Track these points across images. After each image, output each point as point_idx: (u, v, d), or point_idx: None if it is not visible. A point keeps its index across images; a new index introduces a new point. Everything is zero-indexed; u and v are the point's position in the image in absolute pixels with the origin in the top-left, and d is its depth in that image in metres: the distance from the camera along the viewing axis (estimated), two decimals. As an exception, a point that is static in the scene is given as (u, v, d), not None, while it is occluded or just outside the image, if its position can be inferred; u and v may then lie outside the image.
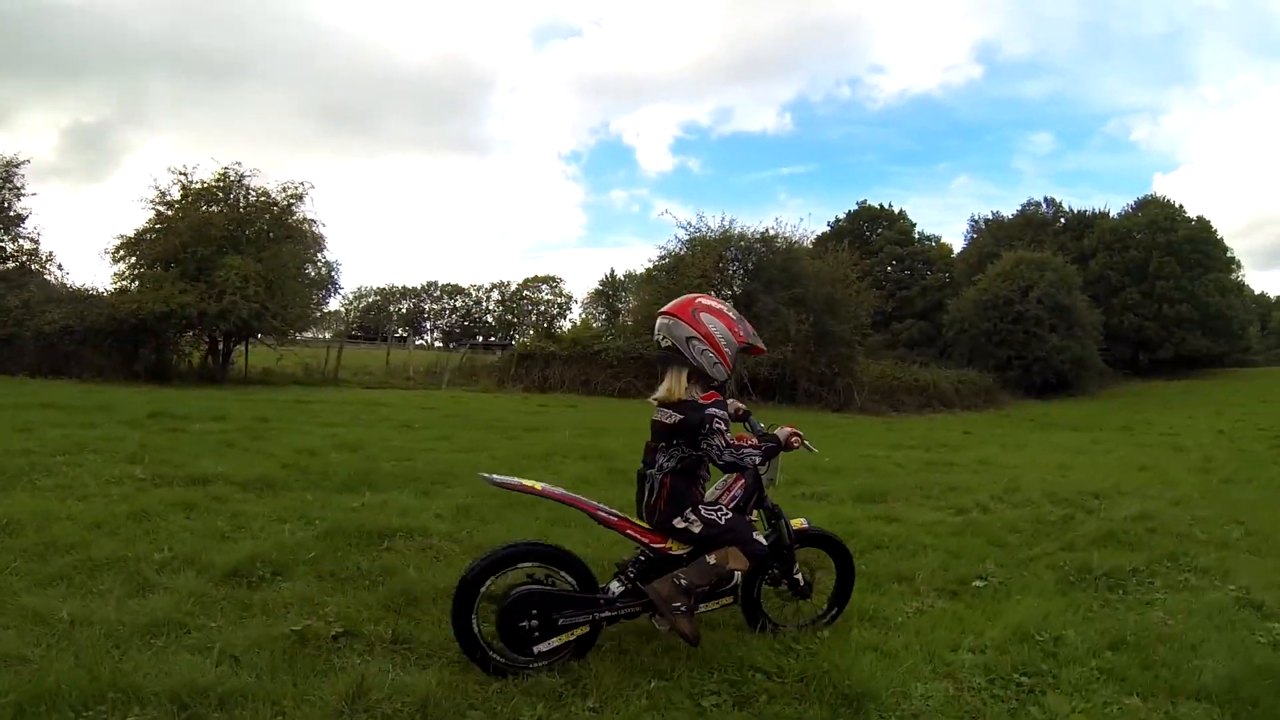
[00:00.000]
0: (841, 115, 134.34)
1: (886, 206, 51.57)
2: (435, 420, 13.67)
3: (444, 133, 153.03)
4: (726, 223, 27.30)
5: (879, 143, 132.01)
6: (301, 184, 22.94)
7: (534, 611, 3.39)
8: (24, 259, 23.18)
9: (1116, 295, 45.28)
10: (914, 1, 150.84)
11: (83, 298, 20.90)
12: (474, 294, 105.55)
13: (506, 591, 3.45)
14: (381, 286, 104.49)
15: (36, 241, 23.47)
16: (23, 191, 23.10)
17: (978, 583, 5.14)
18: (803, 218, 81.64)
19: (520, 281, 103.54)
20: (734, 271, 27.20)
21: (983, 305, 36.82)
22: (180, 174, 21.99)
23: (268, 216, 22.41)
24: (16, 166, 23.03)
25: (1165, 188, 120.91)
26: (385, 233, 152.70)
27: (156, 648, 3.46)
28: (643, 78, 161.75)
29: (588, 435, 12.44)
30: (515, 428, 13.18)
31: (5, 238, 22.98)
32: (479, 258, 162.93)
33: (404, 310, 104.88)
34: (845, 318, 26.67)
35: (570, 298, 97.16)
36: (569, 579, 3.55)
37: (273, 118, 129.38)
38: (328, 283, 25.40)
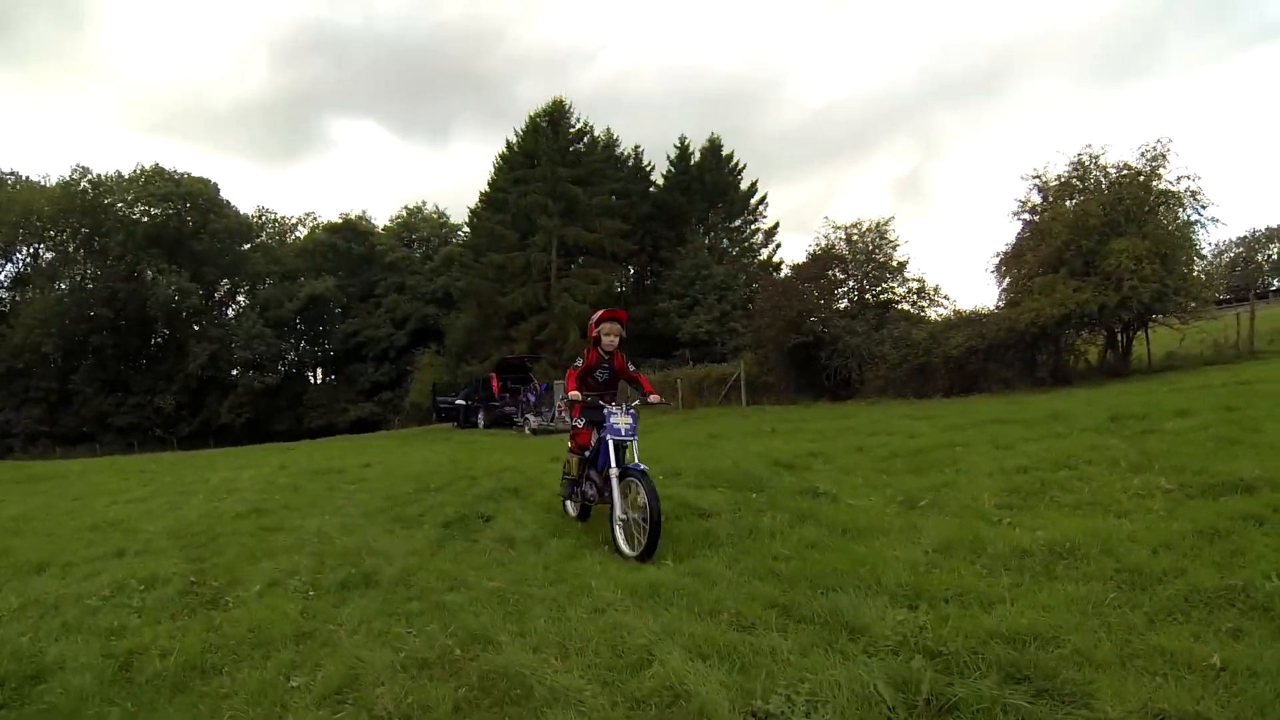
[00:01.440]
0: None
1: None
2: None
3: (1240, 28, 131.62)
4: None
5: None
6: (1159, 142, 20.53)
7: None
8: (914, 297, 26.05)
9: None
10: None
11: (979, 319, 22.00)
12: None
13: None
14: (1242, 235, 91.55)
15: (922, 280, 26.17)
16: (896, 243, 26.21)
17: None
18: None
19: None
20: None
21: None
22: (1035, 177, 22.17)
23: (1135, 187, 20.51)
24: (886, 224, 26.43)
25: None
26: (1228, 170, 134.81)
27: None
28: None
29: None
30: None
31: (894, 282, 26.18)
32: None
33: (1274, 256, 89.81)
34: None
35: None
36: None
37: (1051, 102, 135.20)
38: (1186, 244, 22.23)
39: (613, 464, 6.35)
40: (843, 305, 26.07)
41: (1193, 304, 20.87)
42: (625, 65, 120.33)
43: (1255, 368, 17.07)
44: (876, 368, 22.81)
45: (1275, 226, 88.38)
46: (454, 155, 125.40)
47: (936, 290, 25.94)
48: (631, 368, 7.10)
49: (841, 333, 23.79)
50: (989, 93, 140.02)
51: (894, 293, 26.12)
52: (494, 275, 44.18)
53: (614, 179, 47.39)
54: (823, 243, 27.03)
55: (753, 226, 49.19)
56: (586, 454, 6.99)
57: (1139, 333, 20.95)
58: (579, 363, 7.04)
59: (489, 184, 47.91)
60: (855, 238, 26.30)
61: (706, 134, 50.00)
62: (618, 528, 6.19)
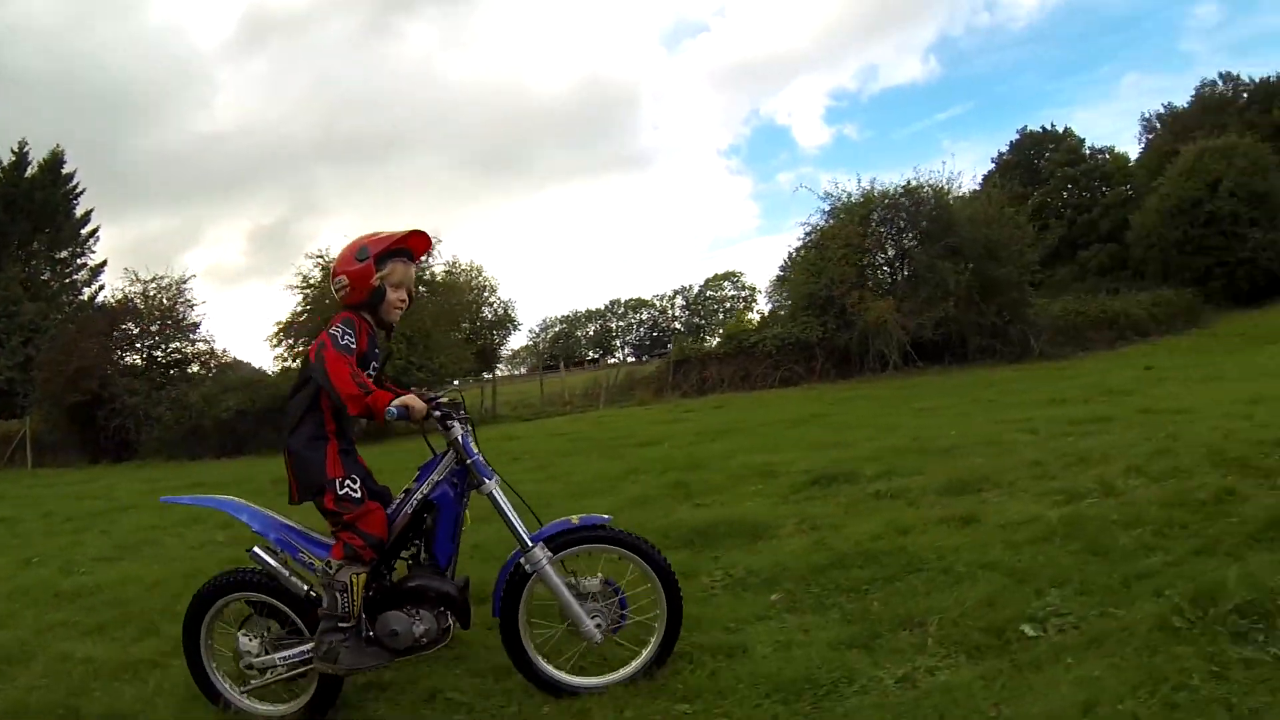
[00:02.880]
0: (987, 43, 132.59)
1: (1049, 128, 46.07)
2: (558, 447, 13.24)
3: (602, 155, 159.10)
4: (867, 184, 25.48)
5: (1033, 61, 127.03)
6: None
7: None
8: (203, 358, 25.92)
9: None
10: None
11: (253, 383, 22.63)
12: (658, 304, 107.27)
13: None
14: (565, 314, 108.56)
15: (210, 342, 26.16)
16: (194, 303, 25.80)
17: (1028, 628, 3.33)
18: (945, 160, 71.73)
19: (702, 283, 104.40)
20: (885, 234, 25.19)
21: (1168, 213, 30.59)
22: (318, 256, 23.77)
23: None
24: (185, 283, 25.97)
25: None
26: (566, 262, 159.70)
27: None
28: (779, 55, 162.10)
29: (704, 440, 11.72)
30: (632, 443, 12.50)
31: (185, 344, 25.74)
32: (661, 267, 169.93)
33: (591, 333, 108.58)
34: (1008, 259, 23.76)
35: (754, 290, 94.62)
36: None
37: (432, 180, 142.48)
38: (507, 322, 26.18)
39: (525, 538, 3.20)
40: (134, 361, 24.95)
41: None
42: (17, 19, 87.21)
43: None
44: (153, 429, 22.28)
45: (594, 309, 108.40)
46: None
47: (225, 353, 26.39)
48: None
49: (121, 391, 22.83)
50: (372, 160, 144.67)
51: (184, 353, 25.76)
52: None
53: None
54: (118, 295, 25.88)
55: (80, 261, 42.89)
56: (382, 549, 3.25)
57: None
58: (346, 338, 3.13)
59: None
60: (154, 293, 25.43)
61: (80, 135, 42.51)
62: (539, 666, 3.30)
